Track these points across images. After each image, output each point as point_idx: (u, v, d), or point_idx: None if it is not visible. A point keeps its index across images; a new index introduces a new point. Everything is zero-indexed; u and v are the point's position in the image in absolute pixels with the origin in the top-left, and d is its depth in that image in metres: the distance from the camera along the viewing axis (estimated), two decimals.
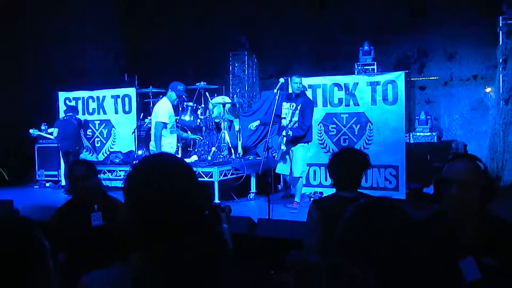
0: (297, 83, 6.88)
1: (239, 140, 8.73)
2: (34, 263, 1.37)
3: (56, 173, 10.12)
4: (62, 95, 10.14)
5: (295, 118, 6.77)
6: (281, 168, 7.01)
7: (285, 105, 6.94)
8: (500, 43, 8.47)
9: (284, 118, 6.91)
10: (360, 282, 0.93)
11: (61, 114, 9.74)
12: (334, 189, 3.07)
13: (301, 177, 7.02)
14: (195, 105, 8.28)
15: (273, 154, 7.45)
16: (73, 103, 9.98)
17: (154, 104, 8.63)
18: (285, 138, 6.64)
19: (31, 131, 9.59)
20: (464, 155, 2.23)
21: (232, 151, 8.40)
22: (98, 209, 3.17)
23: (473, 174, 2.11)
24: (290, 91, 7.17)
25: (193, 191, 1.40)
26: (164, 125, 6.81)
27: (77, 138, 8.92)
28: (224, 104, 8.25)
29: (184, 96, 7.41)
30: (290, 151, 6.84)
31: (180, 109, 8.12)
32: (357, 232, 1.34)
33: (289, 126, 6.77)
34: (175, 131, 7.17)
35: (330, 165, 3.03)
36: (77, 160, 4.13)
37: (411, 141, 8.66)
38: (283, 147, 6.70)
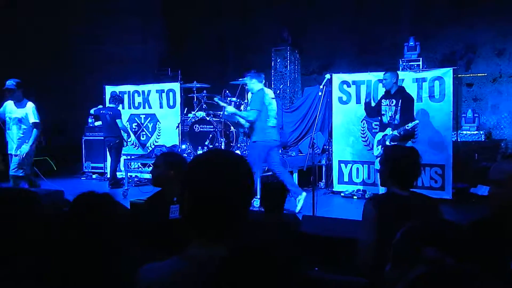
0: (386, 79, 6.80)
1: None
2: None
3: (102, 165, 10.39)
4: (109, 89, 10.37)
5: (398, 116, 6.62)
6: None
7: (384, 101, 6.80)
8: None
9: (384, 114, 6.78)
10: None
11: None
12: (378, 187, 3.05)
13: None
14: (238, 100, 8.32)
15: (316, 151, 7.41)
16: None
17: (198, 99, 8.75)
18: (390, 137, 6.59)
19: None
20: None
21: None
22: (177, 202, 3.03)
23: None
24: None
25: (246, 185, 1.47)
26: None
27: (114, 132, 9.09)
28: None
29: None
30: None
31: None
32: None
33: (392, 123, 6.66)
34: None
35: (384, 162, 2.99)
36: (166, 152, 4.16)
37: (458, 140, 8.46)
38: (388, 144, 6.59)
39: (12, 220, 1.51)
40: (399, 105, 6.61)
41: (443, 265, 0.98)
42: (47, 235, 1.52)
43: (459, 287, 0.90)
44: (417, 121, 6.48)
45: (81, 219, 1.46)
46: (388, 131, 6.68)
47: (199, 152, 7.83)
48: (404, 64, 9.66)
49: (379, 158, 6.74)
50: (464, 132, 9.18)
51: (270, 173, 7.37)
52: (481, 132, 9.17)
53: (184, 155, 7.97)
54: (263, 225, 3.52)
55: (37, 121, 6.90)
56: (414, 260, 1.37)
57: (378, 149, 6.85)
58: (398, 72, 8.41)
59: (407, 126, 6.40)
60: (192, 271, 1.35)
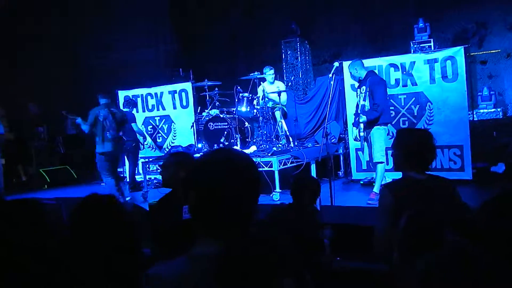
0: (351, 72, 6.75)
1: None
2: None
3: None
4: (121, 94, 10.45)
5: (366, 102, 6.36)
6: (365, 155, 6.80)
7: (358, 90, 6.70)
8: None
9: (358, 104, 6.67)
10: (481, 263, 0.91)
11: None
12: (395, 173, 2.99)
13: (382, 162, 6.41)
14: (250, 95, 8.33)
15: (332, 140, 7.37)
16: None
17: (210, 97, 8.77)
18: (362, 124, 6.37)
19: None
20: None
21: (290, 139, 8.41)
22: None
23: None
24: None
25: (252, 184, 1.47)
26: None
27: (130, 136, 9.10)
28: (279, 93, 8.26)
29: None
30: (369, 135, 6.48)
31: (236, 100, 8.21)
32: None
33: (358, 111, 6.47)
34: None
35: (398, 146, 2.93)
36: (174, 152, 4.13)
37: (474, 119, 8.33)
38: (361, 133, 6.42)
39: (17, 230, 1.54)
40: (368, 89, 6.39)
41: (456, 249, 0.96)
42: (53, 242, 1.55)
43: (474, 272, 0.89)
44: (364, 118, 6.32)
45: (84, 222, 1.49)
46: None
47: None
48: (415, 46, 9.54)
49: (361, 141, 6.61)
50: (481, 110, 9.05)
51: (289, 165, 7.38)
52: (499, 109, 9.03)
53: (201, 154, 8.01)
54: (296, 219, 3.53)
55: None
56: (422, 246, 1.35)
57: (354, 131, 6.72)
58: (409, 54, 8.35)
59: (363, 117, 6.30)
60: (199, 270, 1.35)
